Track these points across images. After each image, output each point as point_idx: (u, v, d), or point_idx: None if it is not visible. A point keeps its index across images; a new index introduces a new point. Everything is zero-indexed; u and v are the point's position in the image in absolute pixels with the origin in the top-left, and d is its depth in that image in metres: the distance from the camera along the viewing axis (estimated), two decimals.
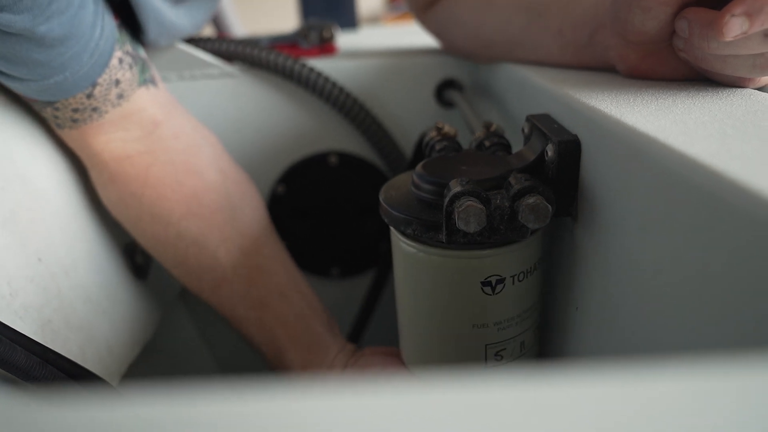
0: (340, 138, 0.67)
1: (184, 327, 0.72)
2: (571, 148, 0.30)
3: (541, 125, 0.33)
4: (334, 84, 0.61)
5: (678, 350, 0.22)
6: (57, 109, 0.44)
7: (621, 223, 0.26)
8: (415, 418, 0.10)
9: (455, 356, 0.36)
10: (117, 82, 0.45)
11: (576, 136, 0.30)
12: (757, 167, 0.18)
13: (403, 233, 0.34)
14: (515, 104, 0.48)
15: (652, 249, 0.23)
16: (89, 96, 0.44)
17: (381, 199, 0.35)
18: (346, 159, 0.68)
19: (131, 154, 0.48)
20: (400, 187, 0.36)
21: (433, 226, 0.31)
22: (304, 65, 0.61)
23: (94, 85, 0.44)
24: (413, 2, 0.63)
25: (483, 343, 0.35)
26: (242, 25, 1.17)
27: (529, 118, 0.35)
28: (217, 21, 1.10)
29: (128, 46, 0.47)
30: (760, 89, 0.31)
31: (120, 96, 0.46)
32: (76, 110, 0.44)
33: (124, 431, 0.10)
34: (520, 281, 0.33)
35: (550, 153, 0.31)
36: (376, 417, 0.10)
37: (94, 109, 0.45)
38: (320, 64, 0.64)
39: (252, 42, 0.63)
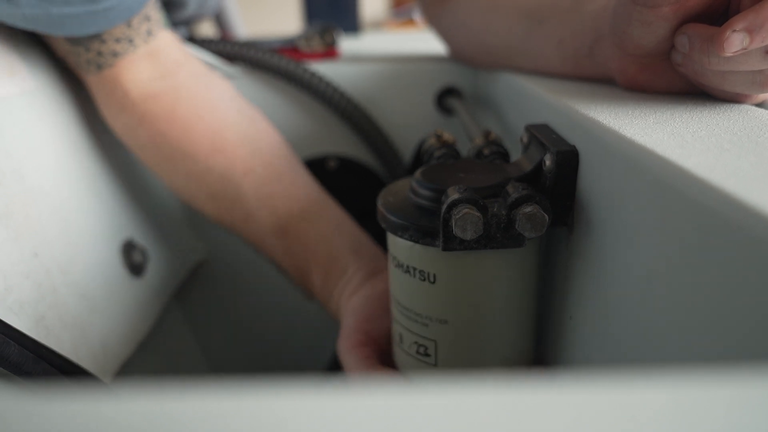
0: (339, 142, 0.67)
1: (179, 327, 0.72)
2: (569, 159, 0.30)
3: (540, 135, 0.33)
4: (335, 88, 0.61)
5: (670, 361, 0.22)
6: (103, 41, 0.46)
7: (616, 234, 0.26)
8: (402, 420, 0.10)
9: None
10: (147, 18, 0.48)
11: (574, 146, 0.30)
12: (752, 182, 0.18)
13: (400, 239, 0.34)
14: (514, 113, 0.48)
15: (647, 260, 0.23)
16: (129, 25, 0.47)
17: (379, 204, 0.35)
18: (345, 163, 0.68)
19: (157, 93, 0.50)
20: (398, 193, 0.36)
21: (430, 232, 0.31)
22: (305, 69, 0.61)
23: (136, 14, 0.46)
24: (423, 2, 0.63)
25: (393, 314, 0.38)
26: (245, 26, 1.17)
27: (528, 128, 0.35)
28: (220, 20, 1.10)
29: None
30: (759, 105, 0.31)
31: (149, 32, 0.49)
32: (118, 41, 0.47)
33: (115, 426, 0.10)
34: (395, 266, 0.35)
35: (548, 163, 0.31)
36: (365, 418, 0.10)
37: (130, 41, 0.48)
38: (322, 67, 0.64)
39: (254, 44, 0.63)
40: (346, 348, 0.42)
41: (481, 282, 0.33)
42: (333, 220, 0.52)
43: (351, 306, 0.45)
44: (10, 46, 0.48)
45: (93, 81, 0.50)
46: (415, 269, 0.34)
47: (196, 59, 0.55)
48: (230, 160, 0.51)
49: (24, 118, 0.46)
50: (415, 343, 0.36)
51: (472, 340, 0.35)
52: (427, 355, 0.36)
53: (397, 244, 0.35)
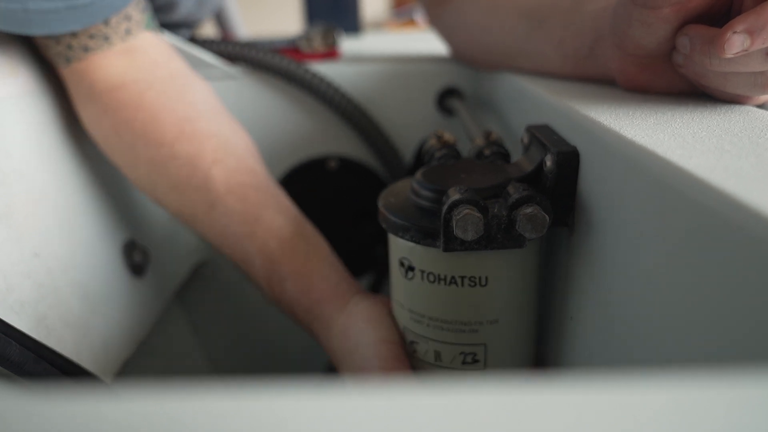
0: (340, 142, 0.67)
1: (180, 327, 0.72)
2: (569, 159, 0.30)
3: (541, 136, 0.33)
4: (335, 88, 0.61)
5: (671, 362, 0.22)
6: (75, 35, 0.46)
7: (617, 234, 0.26)
8: (403, 421, 0.10)
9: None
10: (128, 18, 0.48)
11: (575, 147, 0.30)
12: (753, 183, 0.18)
13: (401, 239, 0.34)
14: (515, 114, 0.48)
15: (648, 261, 0.23)
16: (106, 24, 0.47)
17: (380, 204, 0.35)
18: (346, 164, 0.68)
19: (126, 83, 0.49)
20: (399, 194, 0.36)
21: (431, 233, 0.31)
22: (306, 69, 0.61)
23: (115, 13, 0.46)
24: (425, 3, 0.63)
25: (401, 323, 0.38)
26: (245, 27, 1.17)
27: (529, 129, 0.35)
28: (221, 21, 1.10)
29: None
30: (759, 106, 0.31)
31: (128, 32, 0.48)
32: (92, 37, 0.47)
33: (116, 426, 0.10)
34: (430, 282, 0.34)
35: (548, 163, 0.31)
36: (366, 418, 0.10)
37: (106, 38, 0.47)
38: (323, 68, 0.65)
39: (255, 44, 0.64)
40: (386, 349, 0.37)
41: (525, 277, 0.34)
42: (307, 224, 0.49)
43: (364, 328, 0.40)
44: (11, 47, 0.48)
45: (64, 73, 0.50)
46: (463, 278, 0.33)
47: (181, 64, 0.53)
48: (199, 149, 0.48)
49: (25, 118, 0.47)
50: (461, 353, 0.35)
51: (517, 334, 0.36)
52: (475, 361, 0.35)
53: (436, 261, 0.33)
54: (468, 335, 0.34)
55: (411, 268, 0.34)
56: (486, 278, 0.33)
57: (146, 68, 0.50)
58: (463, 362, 0.35)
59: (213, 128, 0.50)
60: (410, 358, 0.38)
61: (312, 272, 0.45)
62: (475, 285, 0.33)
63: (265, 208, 0.47)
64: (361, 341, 0.39)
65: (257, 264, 0.46)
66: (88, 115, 0.50)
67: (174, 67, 0.52)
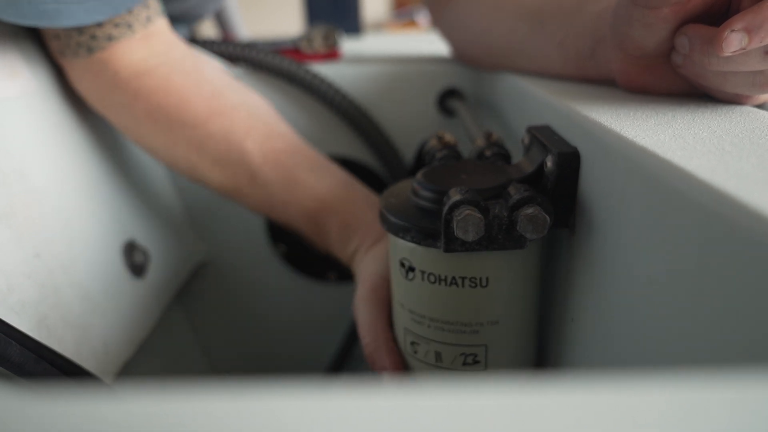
0: (340, 143, 0.67)
1: (180, 327, 0.72)
2: (570, 160, 0.30)
3: (541, 136, 0.33)
4: (336, 89, 0.61)
5: (672, 363, 0.22)
6: (101, 25, 0.47)
7: (618, 235, 0.26)
8: (403, 422, 0.10)
9: (393, 330, 0.40)
10: (147, 6, 0.49)
11: (576, 148, 0.30)
12: (754, 184, 0.18)
13: (401, 240, 0.34)
14: (516, 115, 0.48)
15: (649, 262, 0.23)
16: (130, 12, 0.48)
17: (380, 205, 0.35)
18: (346, 164, 0.68)
19: (150, 69, 0.50)
20: (400, 195, 0.36)
21: (432, 233, 0.31)
22: (307, 70, 0.61)
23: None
24: (428, 3, 0.63)
25: (402, 324, 0.37)
26: (246, 27, 1.17)
27: (530, 129, 0.35)
28: (222, 21, 1.10)
29: None
30: (759, 106, 0.31)
31: (148, 19, 0.50)
32: (117, 25, 0.48)
33: (117, 427, 0.10)
34: (430, 282, 0.34)
35: (549, 164, 0.31)
36: (366, 418, 0.10)
37: (129, 26, 0.49)
38: (323, 69, 0.65)
39: (255, 45, 0.64)
40: (361, 298, 0.42)
41: (526, 278, 0.35)
42: (339, 173, 0.53)
43: (371, 258, 0.45)
44: (12, 48, 0.48)
45: (79, 64, 0.50)
46: (464, 278, 0.33)
47: (186, 43, 0.55)
48: (231, 122, 0.51)
49: (26, 119, 0.47)
50: (462, 354, 0.35)
51: (518, 335, 0.36)
52: (476, 362, 0.35)
53: (436, 261, 0.33)
54: (469, 336, 0.34)
55: (411, 269, 0.34)
56: (487, 279, 0.33)
57: (165, 51, 0.51)
58: (464, 363, 0.35)
59: (237, 99, 0.53)
60: (410, 359, 0.38)
61: (350, 215, 0.50)
62: (476, 286, 0.33)
63: (300, 169, 0.51)
64: (369, 269, 0.45)
65: (301, 224, 0.52)
66: (114, 102, 0.51)
67: (184, 47, 0.54)
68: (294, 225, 0.53)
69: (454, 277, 0.33)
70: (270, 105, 0.57)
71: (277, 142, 0.52)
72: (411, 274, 0.34)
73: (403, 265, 0.35)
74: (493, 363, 0.35)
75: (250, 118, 0.52)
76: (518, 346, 0.36)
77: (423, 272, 0.34)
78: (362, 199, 0.51)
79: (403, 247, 0.34)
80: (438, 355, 0.36)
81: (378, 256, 0.45)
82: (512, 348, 0.36)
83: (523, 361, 0.37)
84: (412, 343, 0.37)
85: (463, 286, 0.33)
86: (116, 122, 0.53)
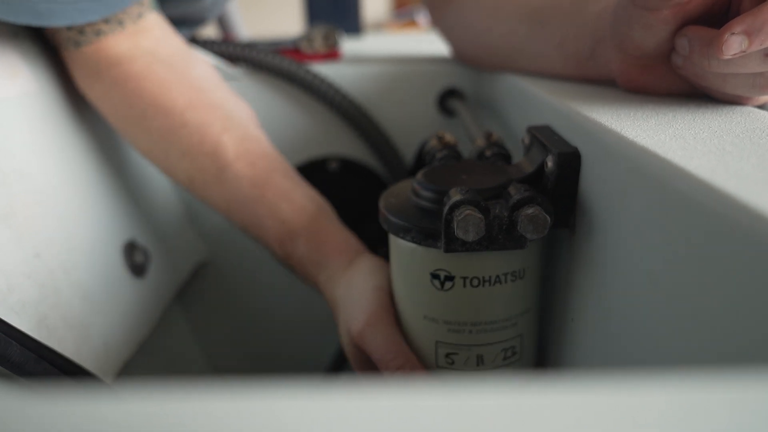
0: (340, 143, 0.67)
1: (180, 327, 0.72)
2: (570, 160, 0.30)
3: (542, 137, 0.33)
4: (336, 89, 0.61)
5: (672, 363, 0.22)
6: (92, 22, 0.47)
7: (618, 235, 0.26)
8: (404, 422, 0.10)
9: (413, 348, 0.37)
10: (140, 2, 0.50)
11: (576, 148, 0.30)
12: (754, 184, 0.18)
13: (402, 240, 0.34)
14: (516, 115, 0.48)
15: (649, 262, 0.23)
16: (122, 9, 0.48)
17: (381, 205, 0.35)
18: (347, 164, 0.68)
19: (134, 56, 0.50)
20: (400, 195, 0.36)
21: (432, 233, 0.31)
22: (307, 70, 0.61)
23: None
24: (428, 3, 0.63)
25: (431, 339, 0.36)
26: (246, 27, 1.17)
27: (530, 130, 0.35)
28: (222, 21, 1.10)
29: None
30: (760, 107, 0.31)
31: (140, 15, 0.50)
32: (107, 21, 0.48)
33: (117, 427, 0.10)
34: (473, 286, 0.33)
35: (549, 164, 0.31)
36: (367, 418, 0.10)
37: (120, 22, 0.49)
38: (324, 69, 0.65)
39: (256, 45, 0.64)
40: (373, 321, 0.38)
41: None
42: (312, 190, 0.51)
43: (363, 277, 0.42)
44: (12, 48, 0.48)
45: (71, 56, 0.50)
46: (506, 274, 0.33)
47: (182, 41, 0.55)
48: (208, 117, 0.50)
49: (26, 119, 0.47)
50: (503, 350, 0.35)
51: (539, 318, 0.37)
52: (514, 354, 0.36)
53: (482, 264, 0.33)
54: (509, 330, 0.35)
55: (450, 278, 0.33)
56: (524, 270, 0.33)
57: (152, 45, 0.51)
58: (504, 358, 0.35)
59: (219, 99, 0.53)
60: (443, 371, 0.36)
61: (322, 230, 0.47)
62: (516, 279, 0.33)
63: (274, 172, 0.50)
64: (361, 287, 0.41)
65: (268, 225, 0.48)
66: (95, 91, 0.51)
67: (176, 43, 0.54)
68: (256, 225, 0.49)
69: (498, 276, 0.33)
70: (253, 113, 0.56)
71: (253, 144, 0.51)
72: (449, 284, 0.33)
73: (437, 276, 0.33)
74: (526, 351, 0.36)
75: (229, 118, 0.51)
76: (537, 330, 0.37)
77: (465, 278, 0.33)
78: (336, 219, 0.49)
79: (437, 258, 0.33)
80: (480, 359, 0.35)
81: (372, 270, 0.42)
82: (535, 333, 0.37)
83: (537, 344, 0.38)
84: (448, 355, 0.35)
85: (505, 282, 0.33)
86: (99, 109, 0.53)
